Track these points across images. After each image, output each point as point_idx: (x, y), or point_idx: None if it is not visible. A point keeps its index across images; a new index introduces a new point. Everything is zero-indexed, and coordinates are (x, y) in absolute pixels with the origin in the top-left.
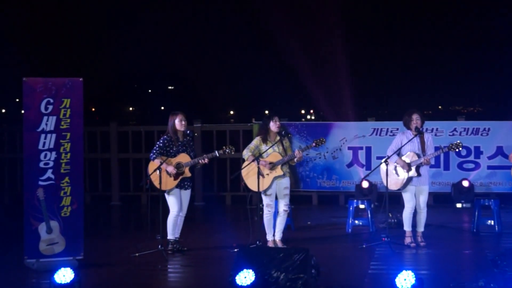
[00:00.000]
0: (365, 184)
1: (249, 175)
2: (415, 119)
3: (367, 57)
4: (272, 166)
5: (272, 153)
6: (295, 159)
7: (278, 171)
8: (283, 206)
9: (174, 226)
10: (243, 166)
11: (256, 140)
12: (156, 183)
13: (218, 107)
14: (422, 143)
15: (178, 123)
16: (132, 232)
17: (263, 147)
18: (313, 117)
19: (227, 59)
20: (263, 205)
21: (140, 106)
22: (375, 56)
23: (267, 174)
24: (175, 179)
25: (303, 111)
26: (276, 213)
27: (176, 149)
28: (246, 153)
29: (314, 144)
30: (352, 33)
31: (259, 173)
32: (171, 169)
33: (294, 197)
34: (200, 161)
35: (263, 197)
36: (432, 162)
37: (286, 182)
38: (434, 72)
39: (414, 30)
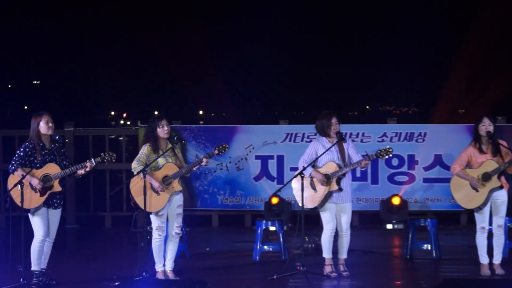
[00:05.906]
0: (275, 201)
1: (140, 192)
2: (335, 123)
3: (276, 46)
4: (168, 181)
5: (166, 164)
6: (194, 168)
7: (176, 186)
8: (175, 228)
9: (40, 254)
10: (131, 181)
11: (146, 149)
12: (18, 201)
13: (96, 106)
14: (342, 151)
15: (44, 126)
16: None
17: (154, 157)
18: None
19: (108, 46)
20: (151, 228)
21: None
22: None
23: (162, 191)
24: (41, 195)
25: (201, 112)
26: (166, 237)
27: (42, 158)
28: (138, 166)
29: (216, 152)
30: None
31: (149, 189)
32: (36, 182)
33: (189, 217)
34: (78, 171)
35: (153, 218)
36: (357, 174)
37: (179, 199)
38: (359, 63)
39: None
